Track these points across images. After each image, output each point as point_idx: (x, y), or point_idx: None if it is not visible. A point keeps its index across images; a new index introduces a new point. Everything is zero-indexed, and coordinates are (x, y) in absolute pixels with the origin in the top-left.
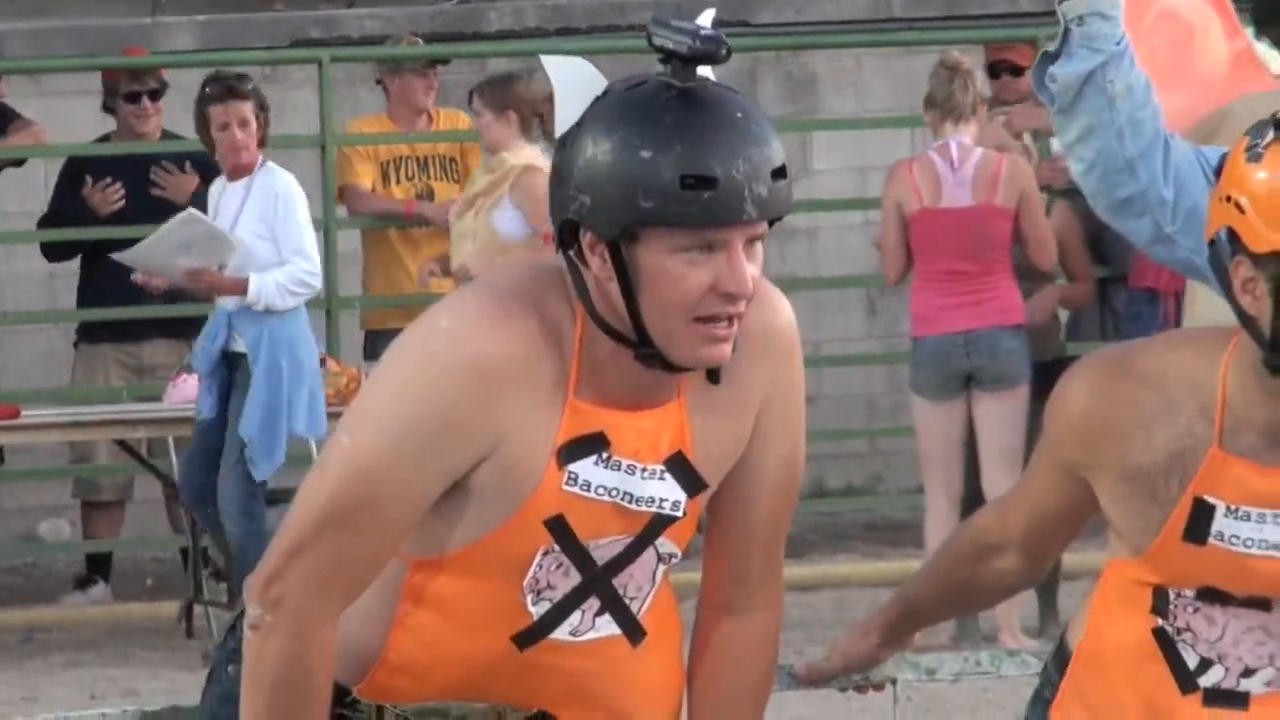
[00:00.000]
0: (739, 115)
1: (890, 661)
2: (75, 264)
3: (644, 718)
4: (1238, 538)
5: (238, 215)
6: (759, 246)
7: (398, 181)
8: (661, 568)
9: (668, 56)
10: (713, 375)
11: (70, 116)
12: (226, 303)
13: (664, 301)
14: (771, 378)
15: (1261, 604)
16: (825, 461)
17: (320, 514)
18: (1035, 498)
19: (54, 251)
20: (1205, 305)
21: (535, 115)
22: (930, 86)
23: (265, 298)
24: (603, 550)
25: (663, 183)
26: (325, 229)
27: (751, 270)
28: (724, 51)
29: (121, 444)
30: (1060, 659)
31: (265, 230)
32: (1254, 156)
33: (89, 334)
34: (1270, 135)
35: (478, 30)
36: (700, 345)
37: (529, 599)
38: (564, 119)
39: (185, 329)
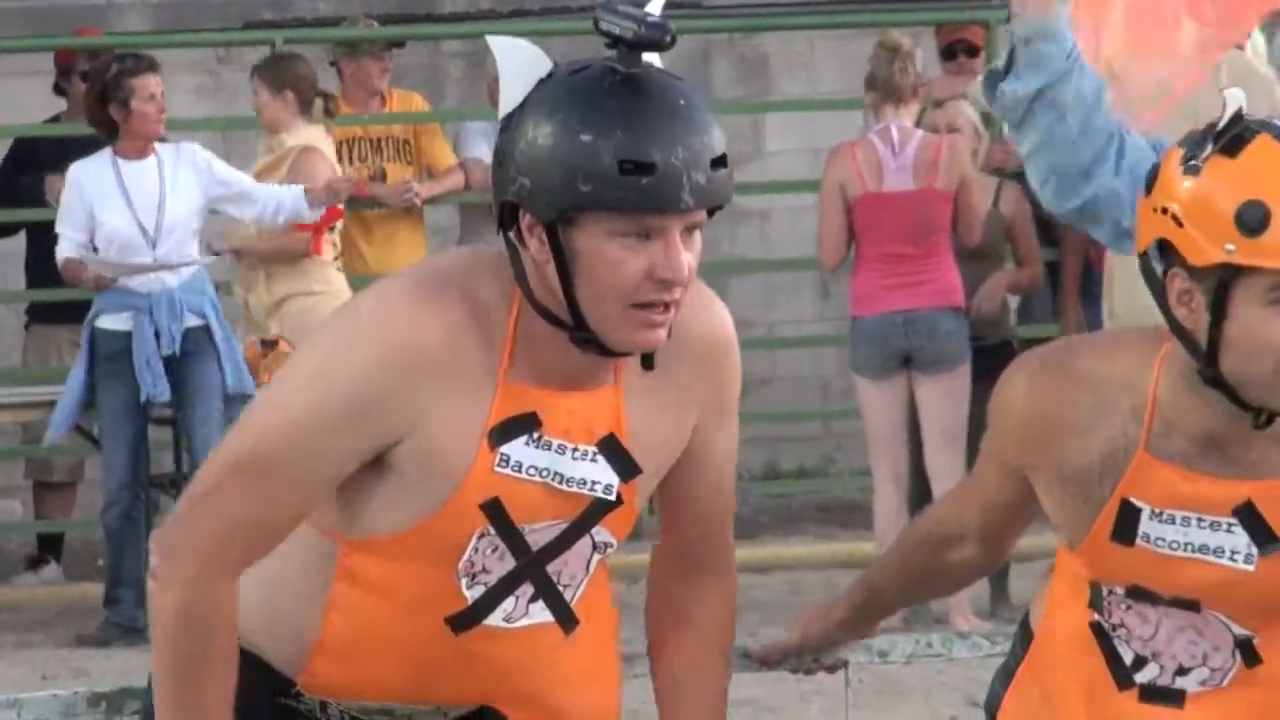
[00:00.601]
0: (681, 103)
1: None
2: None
3: (576, 707)
4: (1163, 540)
5: (163, 193)
6: (697, 235)
7: (351, 163)
8: (596, 556)
9: (613, 41)
10: (646, 361)
11: (21, 97)
12: (167, 280)
13: (600, 286)
14: (714, 388)
15: (1190, 605)
16: (779, 444)
17: (229, 469)
18: (985, 490)
19: None
20: (1123, 293)
21: (315, 95)
22: (871, 68)
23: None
24: (538, 535)
25: (601, 167)
26: None
27: (688, 258)
28: (668, 38)
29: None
30: (1024, 636)
31: (202, 202)
32: (1191, 170)
33: (40, 314)
34: (1209, 148)
35: (431, 12)
36: (635, 330)
37: (464, 582)
38: (508, 100)
39: None
